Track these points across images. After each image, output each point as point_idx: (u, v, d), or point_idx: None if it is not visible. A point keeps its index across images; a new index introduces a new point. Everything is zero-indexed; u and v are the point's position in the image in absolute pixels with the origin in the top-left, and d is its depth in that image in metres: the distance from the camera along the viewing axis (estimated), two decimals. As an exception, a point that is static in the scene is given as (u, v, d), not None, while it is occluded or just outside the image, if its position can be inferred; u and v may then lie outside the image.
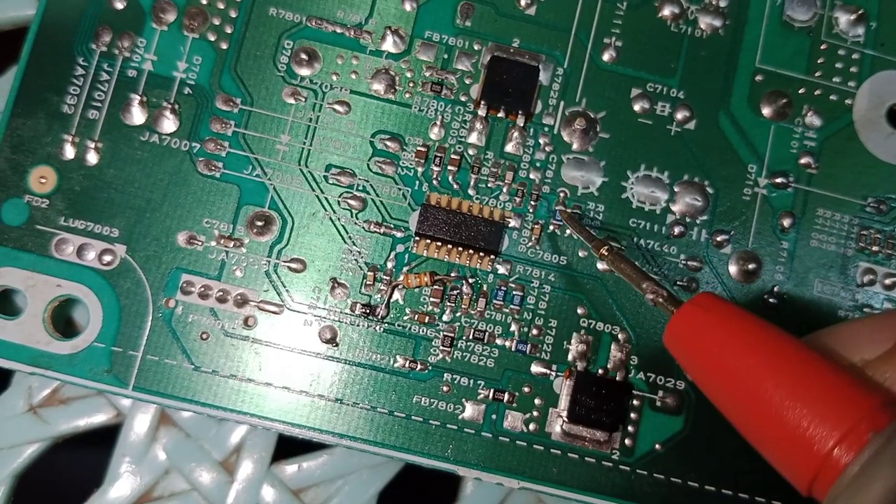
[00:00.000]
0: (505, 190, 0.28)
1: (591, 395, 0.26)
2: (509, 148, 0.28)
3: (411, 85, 0.28)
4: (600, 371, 0.27)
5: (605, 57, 0.29)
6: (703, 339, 0.20)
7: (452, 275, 0.27)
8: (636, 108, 0.28)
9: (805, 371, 0.19)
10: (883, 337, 0.20)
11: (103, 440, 0.29)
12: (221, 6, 0.28)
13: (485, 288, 0.27)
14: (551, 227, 0.28)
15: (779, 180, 0.28)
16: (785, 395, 0.18)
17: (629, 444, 0.27)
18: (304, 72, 0.28)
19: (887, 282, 0.28)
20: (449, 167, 0.28)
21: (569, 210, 0.27)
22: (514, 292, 0.27)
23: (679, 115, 0.28)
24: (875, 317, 0.21)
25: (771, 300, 0.28)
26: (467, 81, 0.28)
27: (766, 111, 0.29)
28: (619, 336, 0.27)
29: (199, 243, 0.27)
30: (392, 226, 0.28)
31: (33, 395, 0.29)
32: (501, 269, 0.27)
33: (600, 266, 0.28)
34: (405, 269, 0.27)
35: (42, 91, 0.27)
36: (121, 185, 0.27)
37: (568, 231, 0.28)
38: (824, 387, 0.18)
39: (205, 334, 0.27)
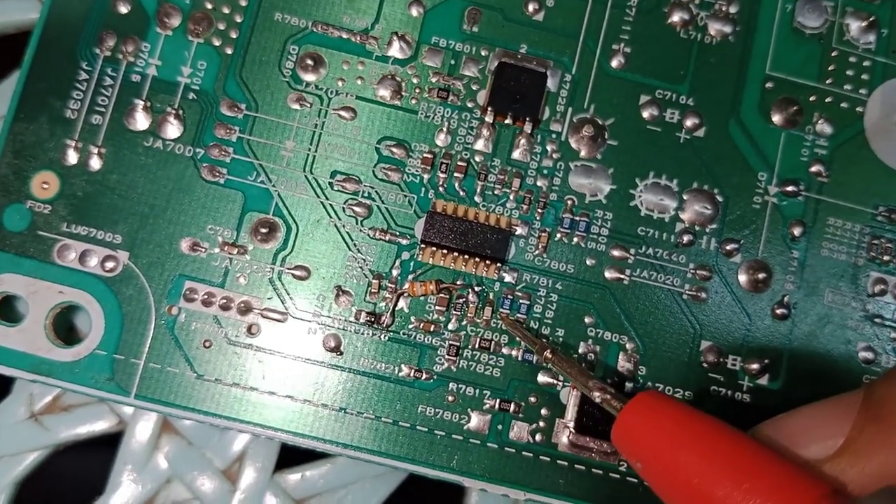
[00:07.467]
0: (512, 197, 0.28)
1: (598, 405, 0.26)
2: (516, 155, 0.28)
3: (418, 91, 0.28)
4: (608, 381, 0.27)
5: (614, 63, 0.28)
6: (647, 438, 0.21)
7: (458, 283, 0.27)
8: (645, 115, 0.28)
9: (749, 464, 0.19)
10: (832, 432, 0.20)
11: (105, 448, 0.29)
12: (226, 11, 0.28)
13: (491, 296, 0.27)
14: (558, 236, 0.27)
15: (789, 189, 0.28)
16: (730, 489, 0.18)
17: (637, 456, 0.26)
18: (310, 77, 0.28)
19: (898, 292, 0.28)
20: (455, 174, 0.28)
21: (511, 317, 0.27)
22: (521, 301, 0.27)
23: (688, 123, 0.28)
24: (820, 408, 0.21)
25: (780, 310, 0.27)
26: (474, 87, 0.28)
27: (777, 119, 0.28)
28: (627, 346, 0.27)
29: (203, 250, 0.27)
30: (397, 233, 0.27)
31: (34, 403, 0.29)
32: (508, 278, 0.27)
33: (608, 275, 0.27)
34: (410, 276, 0.27)
35: (45, 96, 0.27)
36: (124, 190, 0.27)
37: (575, 240, 0.27)
38: (770, 479, 0.18)
39: (208, 342, 0.26)
